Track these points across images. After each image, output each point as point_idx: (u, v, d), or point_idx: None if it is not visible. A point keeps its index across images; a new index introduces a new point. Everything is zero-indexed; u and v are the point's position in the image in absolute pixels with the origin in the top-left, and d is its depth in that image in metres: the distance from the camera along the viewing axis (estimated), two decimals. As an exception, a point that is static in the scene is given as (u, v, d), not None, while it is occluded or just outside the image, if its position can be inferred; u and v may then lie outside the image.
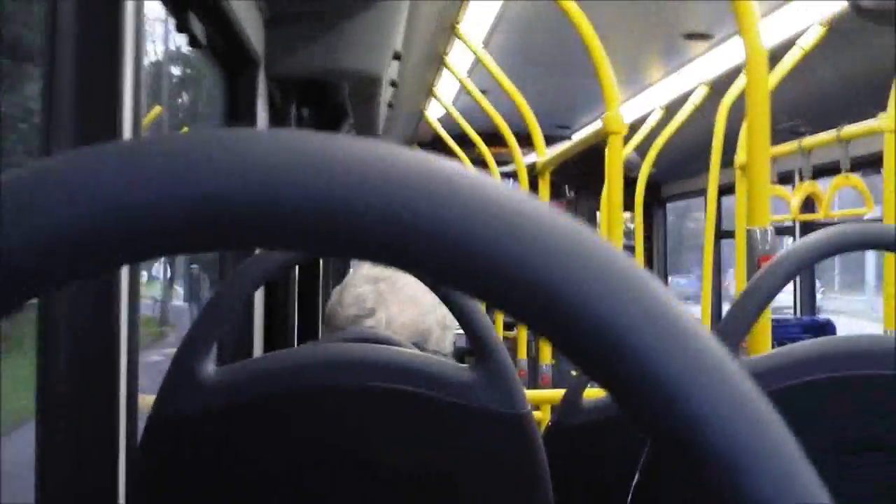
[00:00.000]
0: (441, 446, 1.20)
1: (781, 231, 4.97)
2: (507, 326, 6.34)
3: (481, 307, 1.26)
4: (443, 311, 1.51)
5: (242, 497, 1.18)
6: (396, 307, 1.47)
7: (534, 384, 4.68)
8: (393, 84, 3.73)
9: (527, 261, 0.29)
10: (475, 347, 1.21)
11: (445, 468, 1.20)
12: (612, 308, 0.29)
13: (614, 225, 3.14)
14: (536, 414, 4.14)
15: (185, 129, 2.32)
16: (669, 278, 9.28)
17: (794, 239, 5.41)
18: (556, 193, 7.75)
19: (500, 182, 0.31)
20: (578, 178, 8.08)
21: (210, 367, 1.16)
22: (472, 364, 1.21)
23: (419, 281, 1.50)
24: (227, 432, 1.16)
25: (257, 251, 1.22)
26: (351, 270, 1.56)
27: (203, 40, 2.10)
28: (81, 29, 1.27)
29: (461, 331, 1.30)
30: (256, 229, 0.29)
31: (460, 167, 0.31)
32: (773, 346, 2.76)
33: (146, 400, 1.35)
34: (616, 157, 3.11)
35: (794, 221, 4.81)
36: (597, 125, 6.13)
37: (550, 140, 5.20)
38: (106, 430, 1.29)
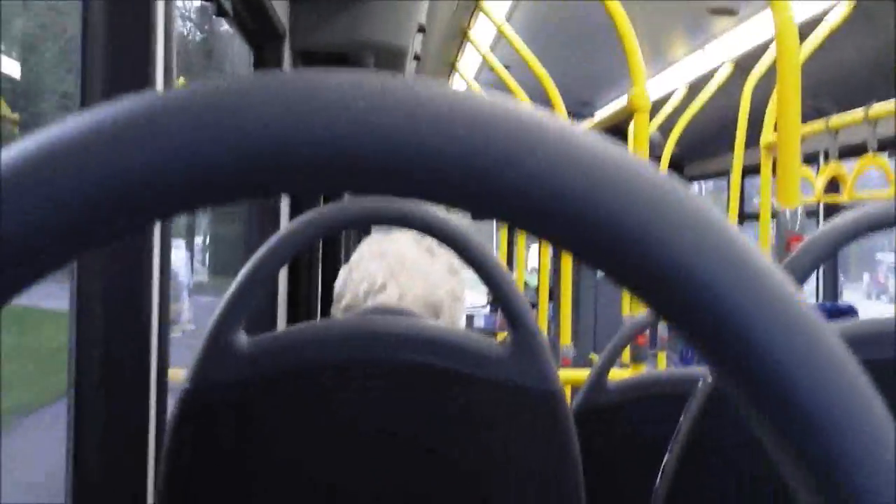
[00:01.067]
0: (473, 422, 1.19)
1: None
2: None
3: (513, 280, 1.25)
4: (453, 284, 1.50)
5: (275, 466, 1.18)
6: (407, 281, 1.45)
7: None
8: (416, 58, 3.71)
9: (643, 228, 0.28)
10: (508, 320, 1.20)
11: (477, 444, 1.19)
12: (710, 269, 0.28)
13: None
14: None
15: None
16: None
17: (819, 221, 5.37)
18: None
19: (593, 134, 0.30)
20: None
21: (243, 337, 1.15)
22: (505, 338, 1.20)
23: (428, 253, 1.50)
24: (261, 402, 1.16)
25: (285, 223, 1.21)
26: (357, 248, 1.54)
27: (229, 10, 2.08)
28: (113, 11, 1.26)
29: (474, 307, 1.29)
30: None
31: (550, 117, 0.30)
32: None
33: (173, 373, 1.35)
34: (642, 135, 3.09)
35: (818, 203, 4.76)
36: (619, 103, 6.12)
37: (573, 117, 5.17)
38: (138, 403, 1.29)
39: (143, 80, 1.28)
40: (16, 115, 1.75)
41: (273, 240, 1.18)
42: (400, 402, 1.18)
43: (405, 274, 1.46)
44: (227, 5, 2.02)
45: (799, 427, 0.28)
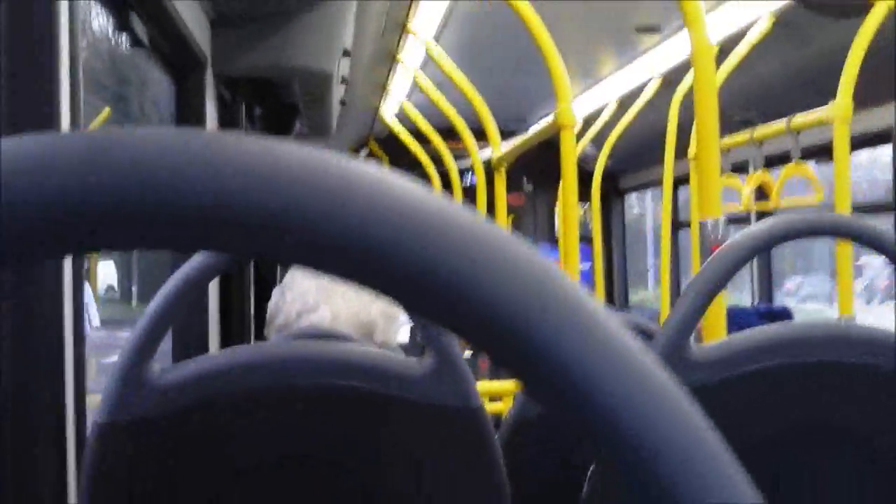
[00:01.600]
0: (395, 443, 1.19)
1: (737, 221, 5.01)
2: None
3: None
4: (386, 302, 1.50)
5: (192, 499, 1.17)
6: (341, 300, 1.45)
7: (494, 374, 4.69)
8: (344, 81, 3.72)
9: (432, 260, 0.29)
10: (424, 339, 1.21)
11: (400, 464, 1.19)
12: (520, 301, 0.29)
13: (570, 217, 3.15)
14: (497, 405, 4.15)
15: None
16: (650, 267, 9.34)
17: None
18: (514, 187, 7.75)
19: (415, 184, 0.31)
20: (537, 172, 8.10)
21: (156, 367, 1.14)
22: (423, 357, 1.21)
23: None
24: (175, 434, 1.15)
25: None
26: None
27: (146, 41, 2.07)
28: (14, 24, 1.25)
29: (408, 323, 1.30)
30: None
31: (366, 168, 0.30)
32: (729, 334, 2.78)
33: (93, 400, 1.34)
34: (569, 151, 3.12)
35: (748, 211, 4.85)
36: (551, 119, 6.12)
37: (508, 135, 5.20)
38: (54, 434, 1.27)
39: (48, 108, 1.27)
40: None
41: (185, 265, 1.17)
42: (321, 426, 1.18)
43: (338, 294, 1.46)
44: (143, 36, 2.01)
45: (626, 454, 0.29)
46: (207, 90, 2.61)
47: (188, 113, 2.53)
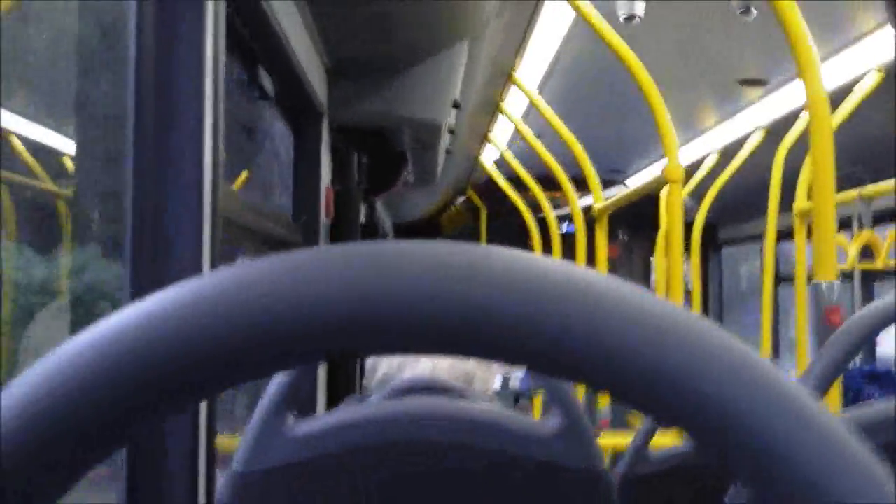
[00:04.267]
0: (519, 502, 1.20)
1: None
2: None
3: None
4: None
5: None
6: None
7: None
8: (450, 131, 3.76)
9: (667, 363, 0.31)
10: (551, 399, 1.22)
11: None
12: (739, 396, 0.31)
13: (674, 273, 3.13)
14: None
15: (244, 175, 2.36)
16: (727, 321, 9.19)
17: (854, 287, 5.33)
18: (609, 237, 7.72)
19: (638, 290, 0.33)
20: (630, 221, 8.05)
21: (291, 420, 1.17)
22: (548, 416, 1.21)
23: None
24: (308, 485, 1.18)
25: None
26: None
27: (271, 93, 2.14)
28: (164, 72, 1.30)
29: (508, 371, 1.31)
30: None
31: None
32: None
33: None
34: (675, 205, 3.11)
35: (851, 269, 4.74)
36: (652, 169, 6.11)
37: (604, 184, 5.20)
38: (188, 481, 1.31)
39: (194, 157, 1.32)
40: (67, 191, 1.80)
41: None
42: (448, 482, 1.19)
43: None
44: (269, 89, 2.07)
45: None
46: (323, 139, 2.67)
47: (306, 161, 2.60)
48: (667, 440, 3.36)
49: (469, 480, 1.19)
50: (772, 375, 0.32)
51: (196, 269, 1.32)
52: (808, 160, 4.12)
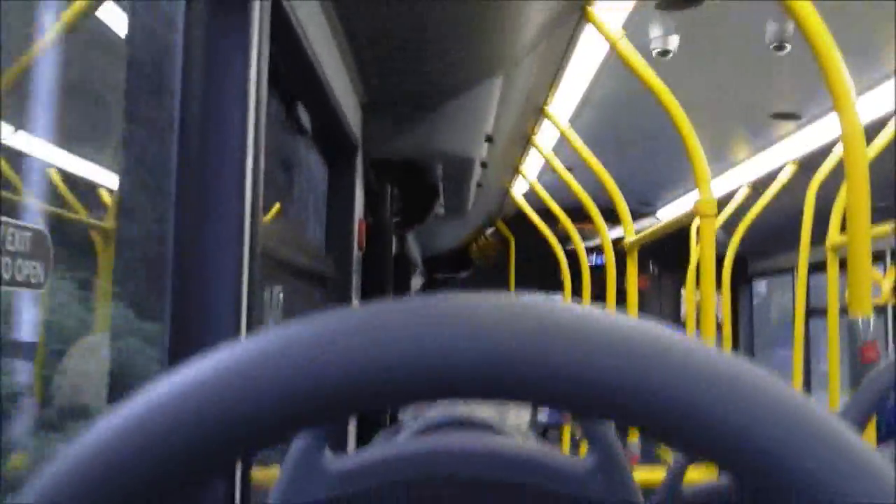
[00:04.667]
0: None
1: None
2: None
3: None
4: None
5: None
6: None
7: None
8: (483, 165, 3.78)
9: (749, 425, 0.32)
10: (586, 435, 1.21)
11: None
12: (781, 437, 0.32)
13: (707, 307, 3.12)
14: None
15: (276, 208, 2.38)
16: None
17: (887, 320, 5.29)
18: (639, 268, 7.69)
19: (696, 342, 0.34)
20: (659, 252, 8.02)
21: (328, 455, 1.17)
22: (585, 453, 1.21)
23: None
24: None
25: None
26: None
27: (308, 127, 2.16)
28: (208, 109, 1.32)
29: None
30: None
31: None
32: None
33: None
34: (708, 239, 3.10)
35: (885, 303, 4.71)
36: (682, 201, 6.06)
37: (633, 215, 5.19)
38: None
39: (236, 190, 1.33)
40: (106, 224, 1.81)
41: None
42: None
43: None
44: (307, 123, 2.09)
45: None
46: (357, 172, 2.69)
47: (339, 194, 2.61)
48: (699, 475, 3.34)
49: None
50: (811, 411, 0.33)
51: (236, 301, 1.34)
52: (840, 194, 4.11)
